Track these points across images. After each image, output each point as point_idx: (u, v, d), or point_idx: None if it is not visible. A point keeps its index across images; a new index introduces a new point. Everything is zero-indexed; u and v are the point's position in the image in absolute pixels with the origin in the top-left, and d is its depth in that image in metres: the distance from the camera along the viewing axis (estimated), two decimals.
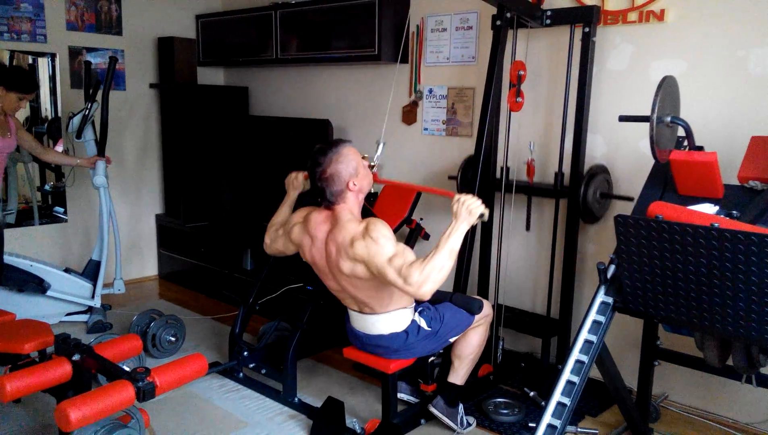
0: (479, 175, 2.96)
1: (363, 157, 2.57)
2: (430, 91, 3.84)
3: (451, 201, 2.38)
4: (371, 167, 2.81)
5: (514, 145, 3.30)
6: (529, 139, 3.35)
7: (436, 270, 2.21)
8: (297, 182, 2.87)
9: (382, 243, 2.30)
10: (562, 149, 3.16)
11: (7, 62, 4.16)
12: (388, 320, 2.54)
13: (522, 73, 3.12)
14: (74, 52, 4.43)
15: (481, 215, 2.33)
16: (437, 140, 3.85)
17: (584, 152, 3.07)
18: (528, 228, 3.35)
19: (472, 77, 3.64)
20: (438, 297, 2.74)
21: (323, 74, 4.48)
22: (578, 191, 3.01)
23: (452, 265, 2.27)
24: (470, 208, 2.31)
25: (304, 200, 2.83)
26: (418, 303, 2.65)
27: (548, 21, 3.11)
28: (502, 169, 3.26)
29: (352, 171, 2.43)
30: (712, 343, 2.34)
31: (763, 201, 2.20)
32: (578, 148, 3.04)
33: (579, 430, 2.79)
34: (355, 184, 2.44)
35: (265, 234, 2.83)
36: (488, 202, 3.18)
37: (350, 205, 2.47)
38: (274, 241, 2.77)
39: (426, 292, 2.22)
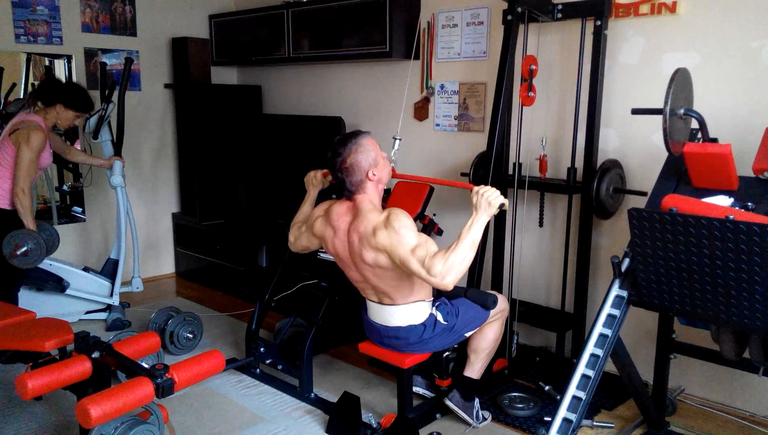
0: (491, 171, 2.95)
1: None
2: (442, 86, 3.84)
3: (469, 193, 2.39)
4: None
5: (526, 140, 3.29)
6: (542, 133, 3.34)
7: (458, 261, 2.24)
8: (316, 180, 2.89)
9: (404, 233, 2.33)
10: (574, 143, 3.15)
11: (24, 65, 4.22)
12: (407, 312, 2.56)
13: (534, 67, 3.12)
14: (90, 54, 4.48)
15: (501, 206, 2.34)
16: (449, 136, 3.85)
17: (597, 146, 3.06)
18: (541, 224, 3.35)
19: (483, 72, 3.64)
20: (452, 292, 2.75)
21: (335, 72, 4.50)
22: (591, 186, 3.00)
23: (473, 256, 2.29)
24: (489, 200, 2.32)
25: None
26: (435, 298, 2.66)
27: (559, 15, 3.10)
28: (514, 165, 3.25)
29: (372, 161, 2.46)
30: (728, 336, 2.33)
31: None
32: (591, 142, 3.03)
33: (595, 423, 2.79)
34: (374, 175, 2.47)
35: (289, 233, 2.86)
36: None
37: (370, 196, 2.49)
38: (298, 239, 2.81)
39: (449, 282, 2.24)
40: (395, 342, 2.63)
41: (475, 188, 2.37)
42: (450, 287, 2.27)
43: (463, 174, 3.57)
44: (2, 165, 3.34)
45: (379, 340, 2.70)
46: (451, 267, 2.23)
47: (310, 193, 2.91)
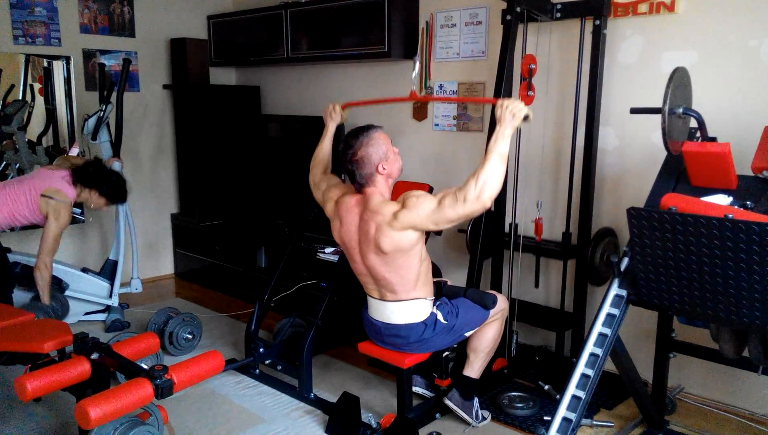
0: (485, 235, 3.02)
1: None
2: (441, 86, 3.84)
3: (494, 108, 2.40)
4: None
5: (525, 142, 3.29)
6: (540, 135, 3.35)
7: (490, 176, 2.28)
8: (335, 114, 2.94)
9: (424, 199, 2.38)
10: (574, 142, 3.15)
11: (22, 66, 4.22)
12: (407, 309, 2.56)
13: (533, 66, 3.12)
14: (88, 55, 4.48)
15: (526, 117, 2.34)
16: (448, 136, 3.85)
17: (596, 148, 3.07)
18: (537, 285, 3.39)
19: (482, 72, 3.64)
20: (452, 292, 2.75)
21: (334, 72, 4.50)
22: (585, 254, 3.02)
23: (504, 170, 2.32)
24: (513, 111, 2.32)
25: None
26: (436, 298, 2.66)
27: (558, 14, 3.10)
28: (510, 225, 3.29)
29: (382, 155, 2.48)
30: (727, 335, 2.33)
31: None
32: (590, 141, 3.03)
33: (594, 422, 2.79)
34: (384, 168, 2.48)
35: (309, 174, 2.91)
36: (498, 260, 3.25)
37: (380, 189, 2.51)
38: (315, 189, 2.86)
39: (487, 199, 2.29)
40: (396, 340, 2.63)
41: (499, 101, 2.37)
42: (489, 203, 2.31)
43: (460, 230, 3.52)
44: (7, 202, 3.38)
45: (379, 338, 2.70)
46: (485, 183, 2.28)
47: (329, 127, 2.96)
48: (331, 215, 2.67)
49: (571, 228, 3.21)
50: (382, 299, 2.60)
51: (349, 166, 2.49)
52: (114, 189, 3.65)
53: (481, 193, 2.27)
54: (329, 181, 2.81)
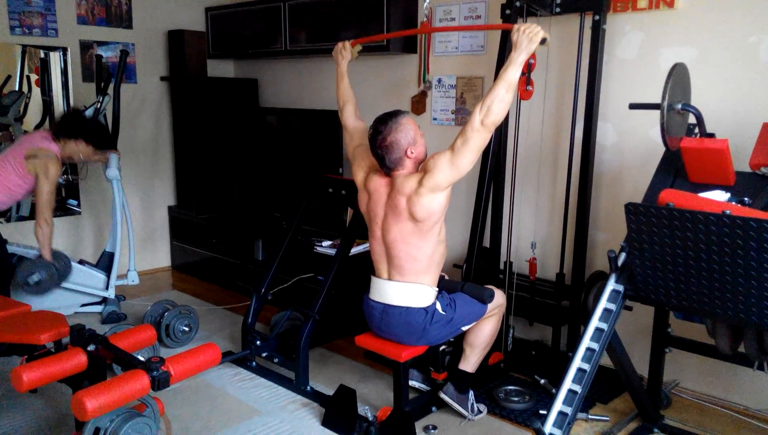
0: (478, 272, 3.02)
1: None
2: (439, 81, 3.83)
3: (510, 32, 2.43)
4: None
5: (524, 137, 3.29)
6: (538, 131, 3.35)
7: (495, 102, 2.36)
8: (345, 51, 3.05)
9: (439, 155, 2.48)
10: (572, 137, 3.15)
11: (19, 57, 4.20)
12: (411, 292, 2.58)
13: (532, 61, 3.11)
14: (85, 46, 4.46)
15: (544, 40, 2.36)
16: (447, 130, 3.84)
17: (594, 143, 3.06)
18: (531, 324, 3.42)
19: (481, 67, 3.63)
20: (449, 286, 2.76)
21: (332, 65, 4.44)
22: (579, 298, 2.98)
23: (511, 98, 2.39)
24: (530, 36, 2.36)
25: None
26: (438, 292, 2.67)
27: (558, 9, 3.09)
28: (505, 263, 3.33)
29: (411, 140, 2.55)
30: (723, 330, 2.34)
31: None
32: (588, 136, 3.03)
33: (590, 417, 2.80)
34: (412, 153, 2.55)
35: (340, 113, 3.03)
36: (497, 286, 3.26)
37: (407, 172, 2.58)
38: (347, 133, 2.98)
39: (490, 123, 2.38)
40: (394, 327, 2.63)
41: (516, 26, 2.41)
42: (492, 129, 2.41)
43: (455, 265, 3.52)
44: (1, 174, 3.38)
45: (377, 324, 2.69)
46: (489, 109, 2.37)
47: (341, 66, 3.06)
48: (359, 186, 2.75)
49: (565, 268, 3.26)
50: (389, 279, 2.63)
51: (378, 151, 2.56)
52: (100, 134, 3.64)
53: (485, 118, 2.37)
54: (362, 137, 2.84)
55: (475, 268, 3.14)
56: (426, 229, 2.53)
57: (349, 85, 3.05)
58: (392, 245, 2.60)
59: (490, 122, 2.37)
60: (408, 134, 2.54)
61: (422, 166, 2.54)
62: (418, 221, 2.52)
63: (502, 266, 3.39)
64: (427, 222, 2.51)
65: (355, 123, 2.97)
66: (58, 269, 3.56)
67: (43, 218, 3.42)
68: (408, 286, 2.59)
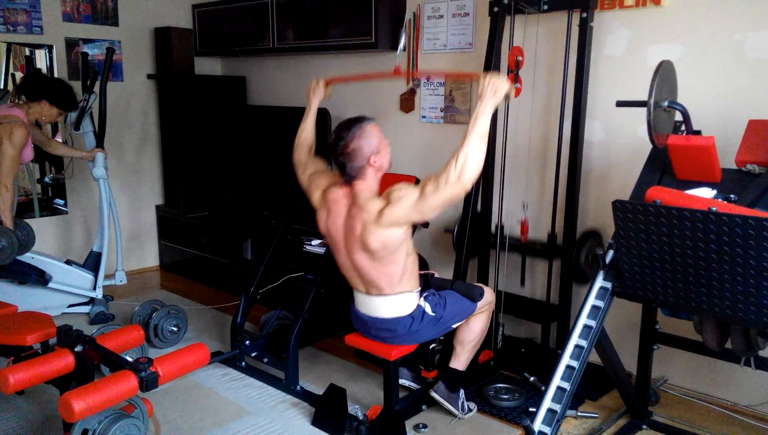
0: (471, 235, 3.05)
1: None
2: (428, 78, 3.83)
3: (478, 83, 2.37)
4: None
5: (512, 133, 3.30)
6: (527, 127, 3.36)
7: (470, 155, 2.25)
8: (318, 89, 2.88)
9: (407, 191, 2.36)
10: (560, 135, 3.16)
11: (3, 55, 4.15)
12: (394, 303, 2.56)
13: (520, 59, 3.12)
14: (71, 44, 4.42)
15: (507, 96, 2.33)
16: (436, 128, 3.84)
17: (582, 140, 3.07)
18: (522, 284, 3.41)
19: (469, 64, 3.63)
20: (439, 284, 2.76)
21: (321, 63, 4.47)
22: (571, 254, 3.03)
23: (485, 149, 2.29)
24: (495, 88, 2.30)
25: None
26: (423, 289, 2.66)
27: (546, 6, 3.10)
28: (497, 226, 3.32)
29: (374, 148, 2.45)
30: (710, 327, 2.36)
31: (761, 184, 2.21)
32: (576, 134, 3.03)
33: (579, 414, 2.82)
34: (375, 161, 2.45)
35: (293, 151, 2.87)
36: (484, 259, 3.26)
37: (369, 183, 2.48)
38: (300, 169, 2.82)
39: (467, 178, 2.26)
40: (384, 334, 2.63)
41: (482, 77, 2.34)
42: (469, 184, 2.28)
43: (447, 230, 3.54)
44: None
45: (367, 331, 2.70)
46: (464, 162, 2.25)
47: (312, 105, 2.89)
48: (317, 205, 2.64)
49: (557, 228, 3.23)
50: (368, 294, 2.60)
51: (340, 159, 2.45)
52: (63, 92, 3.56)
53: (461, 174, 2.25)
54: (316, 165, 2.77)
55: (469, 232, 3.07)
56: (387, 255, 2.45)
57: (313, 126, 2.88)
58: (360, 267, 2.53)
59: (467, 178, 2.25)
60: (372, 142, 2.43)
61: (387, 195, 2.40)
62: (373, 252, 2.44)
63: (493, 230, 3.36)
64: (381, 252, 2.43)
65: (308, 155, 2.83)
66: (19, 238, 3.47)
67: (3, 184, 3.31)
68: (390, 298, 2.55)
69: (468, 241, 3.07)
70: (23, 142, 3.35)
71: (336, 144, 2.45)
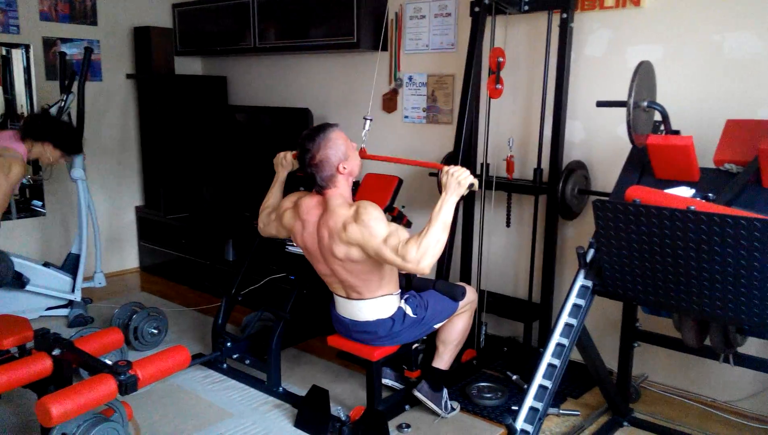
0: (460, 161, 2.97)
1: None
2: (410, 78, 3.83)
3: (439, 176, 2.38)
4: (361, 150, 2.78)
5: (494, 133, 3.31)
6: (509, 126, 3.37)
7: (432, 244, 2.25)
8: (286, 162, 2.84)
9: (374, 225, 2.32)
10: (541, 135, 3.18)
11: None
12: (374, 306, 2.55)
13: (501, 59, 3.13)
14: (49, 43, 4.35)
15: (471, 185, 2.35)
16: (418, 128, 3.85)
17: (563, 145, 3.09)
18: (508, 224, 3.36)
19: (451, 64, 3.64)
20: (421, 284, 2.76)
21: (302, 63, 4.46)
22: (557, 188, 3.02)
23: (446, 237, 2.30)
24: (459, 179, 2.33)
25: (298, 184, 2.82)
26: (404, 290, 2.66)
27: (526, 7, 3.12)
28: (482, 165, 3.27)
29: (342, 155, 2.44)
30: (689, 324, 2.38)
31: (738, 183, 2.23)
32: (557, 134, 3.05)
33: (561, 411, 2.83)
34: (344, 168, 2.44)
35: (258, 217, 2.83)
36: (469, 197, 3.21)
37: (341, 190, 2.48)
38: (267, 226, 2.79)
39: (425, 266, 2.25)
40: (365, 336, 2.63)
41: (445, 168, 2.37)
42: (427, 271, 2.28)
43: (431, 174, 3.56)
44: None
45: (348, 334, 2.69)
46: (426, 250, 2.24)
47: (280, 175, 2.86)
48: (290, 224, 2.60)
49: (543, 164, 3.20)
50: (348, 298, 2.59)
51: (309, 170, 2.44)
52: (68, 139, 3.52)
53: (420, 259, 2.23)
54: (277, 211, 2.72)
55: None
56: (360, 264, 2.43)
57: (280, 197, 2.81)
58: (338, 272, 2.51)
59: (426, 265, 2.24)
60: (338, 150, 2.42)
61: (357, 209, 2.37)
62: (343, 261, 2.43)
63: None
64: (351, 263, 2.43)
65: (269, 216, 2.78)
66: None
67: None
68: (370, 302, 2.55)
69: None
70: (18, 180, 3.32)
71: (303, 157, 2.43)
